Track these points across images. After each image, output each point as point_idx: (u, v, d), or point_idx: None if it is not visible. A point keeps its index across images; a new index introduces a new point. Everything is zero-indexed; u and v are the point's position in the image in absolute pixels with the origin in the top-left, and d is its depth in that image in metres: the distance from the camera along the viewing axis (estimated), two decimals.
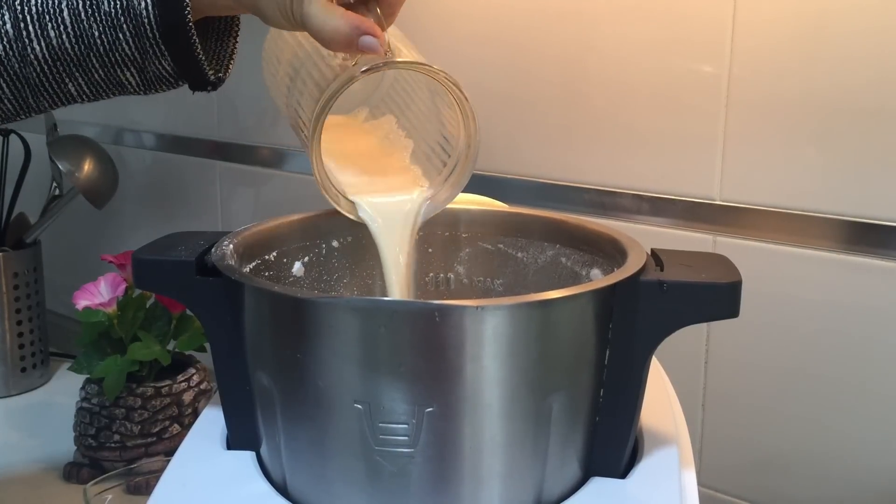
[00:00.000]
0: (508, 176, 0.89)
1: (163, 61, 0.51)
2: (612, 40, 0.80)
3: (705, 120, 0.76)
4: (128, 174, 1.28)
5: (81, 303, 0.91)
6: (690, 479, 0.52)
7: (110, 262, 0.95)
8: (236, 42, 0.58)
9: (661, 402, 0.59)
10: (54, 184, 1.18)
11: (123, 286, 0.92)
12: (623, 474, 0.51)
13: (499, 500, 0.47)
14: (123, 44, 0.50)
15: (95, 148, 1.18)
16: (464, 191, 0.73)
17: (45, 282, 1.18)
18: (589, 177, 0.84)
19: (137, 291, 0.93)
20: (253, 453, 0.52)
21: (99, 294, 0.91)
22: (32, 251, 1.16)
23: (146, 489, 0.78)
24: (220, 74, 0.56)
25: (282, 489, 0.50)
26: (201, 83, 0.54)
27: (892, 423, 0.71)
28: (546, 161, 0.86)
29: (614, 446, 0.50)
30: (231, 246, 0.53)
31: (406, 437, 0.45)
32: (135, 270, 0.52)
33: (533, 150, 0.87)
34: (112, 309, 0.91)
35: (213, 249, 0.52)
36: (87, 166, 1.14)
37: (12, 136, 1.21)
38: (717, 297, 0.48)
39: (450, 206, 0.61)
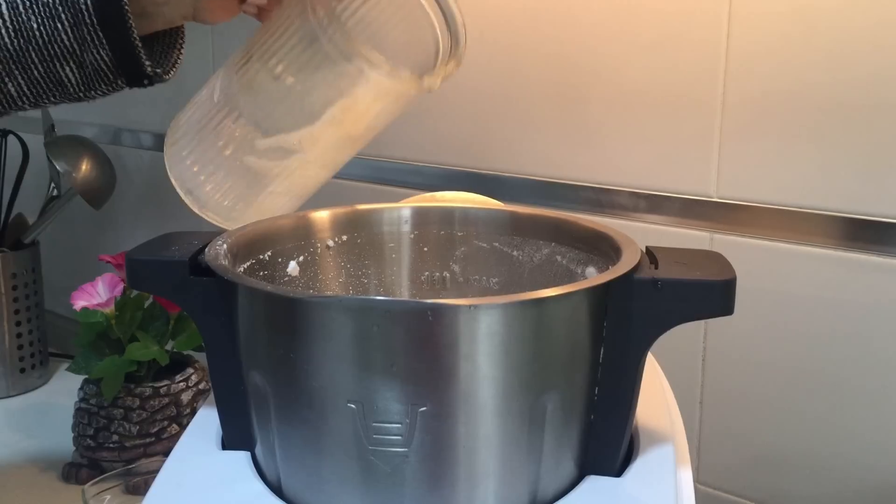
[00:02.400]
0: (505, 174, 0.89)
1: (101, 50, 0.52)
2: (608, 37, 0.80)
3: (701, 117, 0.76)
4: (126, 174, 1.28)
5: (79, 303, 0.91)
6: (686, 476, 0.52)
7: (108, 262, 0.95)
8: (181, 51, 0.61)
9: (657, 399, 0.59)
10: (52, 184, 1.18)
11: (121, 286, 0.92)
12: (618, 472, 0.50)
13: (493, 500, 0.47)
14: (62, 34, 0.51)
15: (93, 148, 1.18)
16: (460, 189, 0.74)
17: (43, 282, 1.18)
18: (585, 174, 0.83)
19: (135, 291, 0.93)
20: (247, 453, 0.52)
21: (97, 294, 0.91)
22: (31, 252, 1.16)
23: (145, 489, 0.78)
24: (157, 70, 0.57)
25: (276, 489, 0.50)
26: (139, 75, 0.56)
27: (891, 418, 0.71)
28: (542, 159, 0.86)
29: (609, 444, 0.50)
30: (225, 246, 0.52)
31: (400, 437, 0.45)
32: (128, 270, 0.52)
33: (529, 148, 0.87)
34: (110, 309, 0.91)
35: (206, 249, 0.52)
36: (85, 167, 1.14)
37: (10, 137, 1.21)
38: (712, 295, 0.48)
39: (445, 204, 0.61)
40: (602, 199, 0.83)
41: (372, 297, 0.46)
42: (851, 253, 0.70)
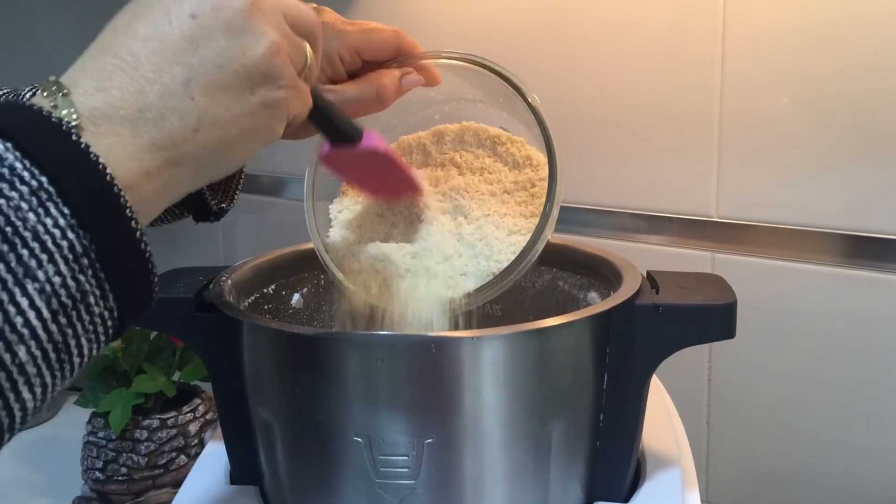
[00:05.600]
0: None
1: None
2: (605, 60, 0.80)
3: (699, 138, 0.76)
4: None
5: None
6: (694, 499, 0.52)
7: None
8: (241, 175, 0.61)
9: (662, 422, 0.59)
10: None
11: None
12: (626, 498, 0.51)
13: None
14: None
15: None
16: None
17: None
18: (585, 196, 0.84)
19: None
20: (256, 487, 0.52)
21: None
22: None
23: None
24: (222, 205, 0.58)
25: None
26: (205, 211, 0.57)
27: (895, 432, 0.71)
28: None
29: (616, 470, 0.50)
30: (229, 281, 0.53)
31: (407, 469, 0.45)
32: None
33: None
34: (116, 342, 0.91)
35: (210, 286, 0.52)
36: None
37: None
38: (713, 320, 0.48)
39: None
40: (603, 221, 0.83)
41: (376, 332, 0.46)
42: (852, 269, 0.71)
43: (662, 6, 0.76)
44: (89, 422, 0.93)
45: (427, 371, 0.44)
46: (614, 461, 0.50)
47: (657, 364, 0.49)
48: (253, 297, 0.57)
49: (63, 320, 0.31)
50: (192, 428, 0.92)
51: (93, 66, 0.35)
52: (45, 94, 0.33)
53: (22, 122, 0.32)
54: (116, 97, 0.34)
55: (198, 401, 0.94)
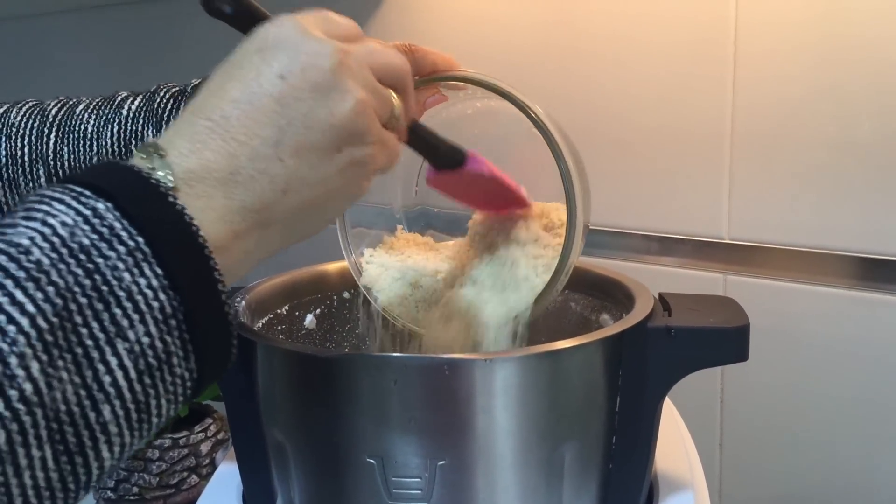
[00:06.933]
0: None
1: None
2: (616, 80, 0.81)
3: (711, 159, 0.76)
4: None
5: None
6: None
7: None
8: None
9: (675, 445, 0.58)
10: None
11: None
12: None
13: None
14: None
15: None
16: None
17: None
18: (597, 218, 0.84)
19: None
20: None
21: None
22: None
23: None
24: None
25: None
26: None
27: None
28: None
29: (628, 493, 0.50)
30: (243, 302, 0.53)
31: (420, 491, 0.45)
32: None
33: (541, 194, 0.88)
34: None
35: None
36: None
37: None
38: (726, 342, 0.48)
39: None
40: (614, 243, 0.83)
41: (389, 354, 0.46)
42: (864, 292, 0.70)
43: (673, 26, 0.76)
44: None
45: (440, 393, 0.44)
46: (627, 484, 0.50)
47: (670, 387, 0.49)
48: (266, 318, 0.57)
49: (147, 380, 0.32)
50: (204, 448, 0.92)
51: (187, 128, 0.35)
52: (142, 154, 0.34)
53: (122, 182, 0.32)
54: (210, 159, 0.34)
55: (210, 420, 0.94)
